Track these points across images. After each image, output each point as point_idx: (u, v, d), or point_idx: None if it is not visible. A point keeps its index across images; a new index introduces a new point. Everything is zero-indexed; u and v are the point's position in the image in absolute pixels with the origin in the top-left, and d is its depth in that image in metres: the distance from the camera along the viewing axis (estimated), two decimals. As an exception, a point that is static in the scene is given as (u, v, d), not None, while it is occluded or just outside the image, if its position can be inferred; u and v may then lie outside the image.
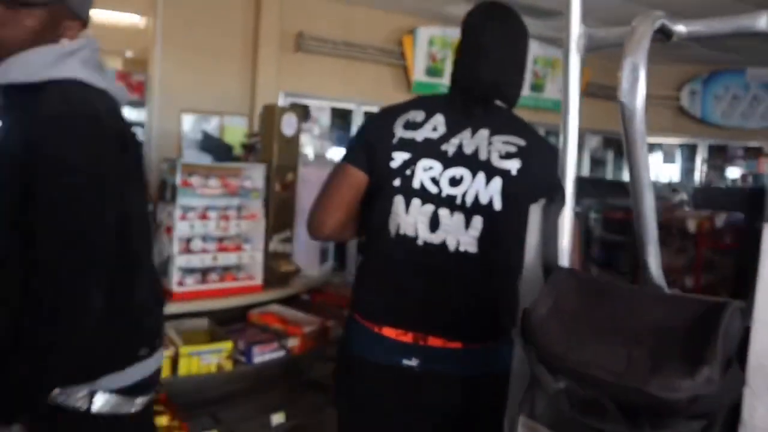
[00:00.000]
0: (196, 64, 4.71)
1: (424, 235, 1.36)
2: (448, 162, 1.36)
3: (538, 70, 6.91)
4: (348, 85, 5.69)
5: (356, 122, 5.85)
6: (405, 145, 1.39)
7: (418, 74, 5.97)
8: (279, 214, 2.62)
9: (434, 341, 1.35)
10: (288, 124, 2.64)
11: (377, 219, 1.41)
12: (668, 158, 8.24)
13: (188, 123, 4.73)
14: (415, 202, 1.36)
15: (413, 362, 1.35)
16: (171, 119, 4.67)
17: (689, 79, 7.96)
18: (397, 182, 1.38)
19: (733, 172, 8.07)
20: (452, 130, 1.39)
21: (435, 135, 1.39)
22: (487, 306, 1.36)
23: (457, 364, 1.36)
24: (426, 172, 1.36)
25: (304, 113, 4.93)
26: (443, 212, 1.35)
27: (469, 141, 1.37)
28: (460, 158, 1.36)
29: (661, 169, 8.13)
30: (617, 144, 8.09)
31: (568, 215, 0.98)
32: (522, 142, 1.37)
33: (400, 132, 1.40)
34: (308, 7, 5.35)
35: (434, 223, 1.35)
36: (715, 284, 4.34)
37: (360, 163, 1.43)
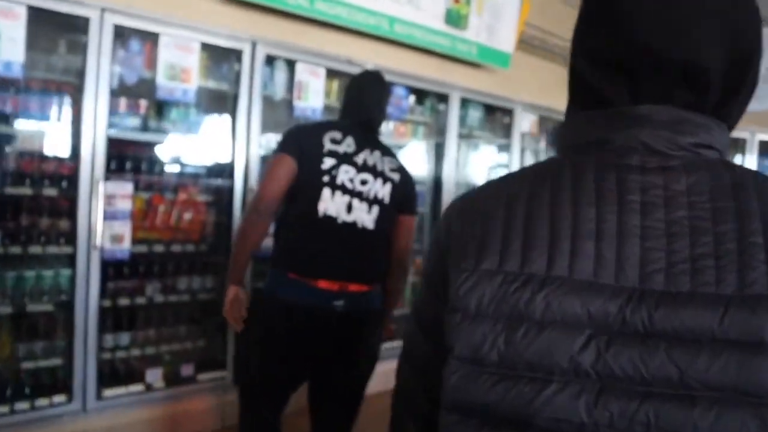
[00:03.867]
0: None
1: (343, 216, 2.09)
2: (359, 169, 2.14)
3: (456, -9, 4.21)
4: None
5: None
6: (332, 154, 2.11)
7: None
8: None
9: (353, 287, 2.09)
10: None
11: (308, 203, 2.07)
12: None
13: None
14: (338, 193, 2.08)
15: (340, 303, 2.07)
16: None
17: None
18: (326, 179, 2.07)
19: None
20: (359, 148, 2.17)
21: (350, 150, 2.14)
22: (378, 262, 2.20)
23: (365, 302, 2.15)
24: (345, 173, 2.10)
25: None
26: (355, 202, 2.11)
27: (370, 157, 2.18)
28: (366, 167, 2.16)
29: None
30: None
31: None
32: (399, 164, 2.28)
33: (328, 144, 2.11)
34: None
35: (349, 209, 2.10)
36: None
37: (294, 155, 2.08)
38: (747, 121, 6.05)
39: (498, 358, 0.58)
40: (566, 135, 0.68)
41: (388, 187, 2.17)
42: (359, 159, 2.15)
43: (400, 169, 2.25)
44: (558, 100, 5.56)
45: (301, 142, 2.11)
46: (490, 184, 0.70)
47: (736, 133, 5.95)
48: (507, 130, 5.11)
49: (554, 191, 0.62)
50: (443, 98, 4.47)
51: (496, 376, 0.57)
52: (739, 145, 5.93)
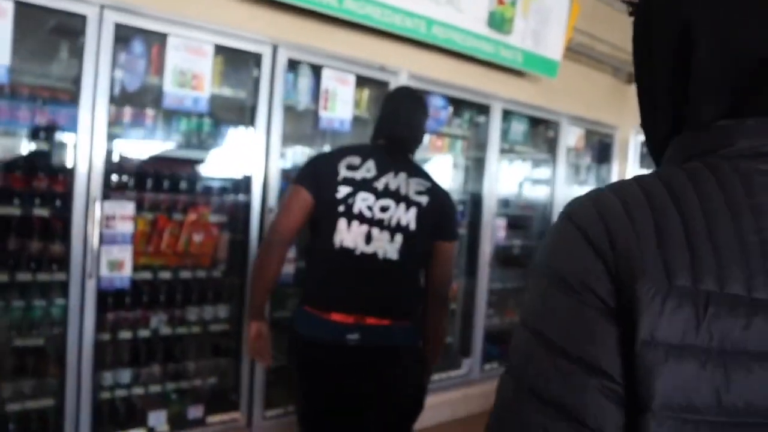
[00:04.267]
0: None
1: (361, 247, 1.93)
2: (378, 195, 1.96)
3: (500, -9, 3.82)
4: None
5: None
6: (347, 181, 1.96)
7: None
8: None
9: (370, 320, 1.92)
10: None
11: (325, 235, 1.95)
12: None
13: None
14: (354, 223, 1.93)
15: (354, 336, 1.91)
16: None
17: None
18: (341, 208, 1.94)
19: None
20: (381, 172, 1.99)
21: (369, 175, 1.97)
22: (403, 295, 2.02)
23: (387, 336, 1.95)
24: (363, 201, 1.94)
25: None
26: (375, 231, 1.94)
27: (393, 180, 1.99)
28: (387, 192, 1.97)
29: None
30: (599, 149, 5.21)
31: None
32: (429, 185, 2.04)
33: (343, 172, 1.97)
34: None
35: (368, 239, 1.93)
36: None
37: (309, 187, 1.97)
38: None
39: (716, 402, 0.47)
40: (708, 141, 0.57)
41: (413, 212, 1.98)
42: (380, 184, 1.98)
43: (431, 191, 2.04)
44: (606, 113, 5.13)
45: (316, 171, 2.02)
46: (631, 186, 0.55)
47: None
48: (550, 144, 4.69)
49: (729, 201, 0.51)
50: (483, 109, 4.07)
51: (715, 426, 0.47)
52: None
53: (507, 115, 4.14)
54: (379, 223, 1.94)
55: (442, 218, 2.05)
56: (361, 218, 1.94)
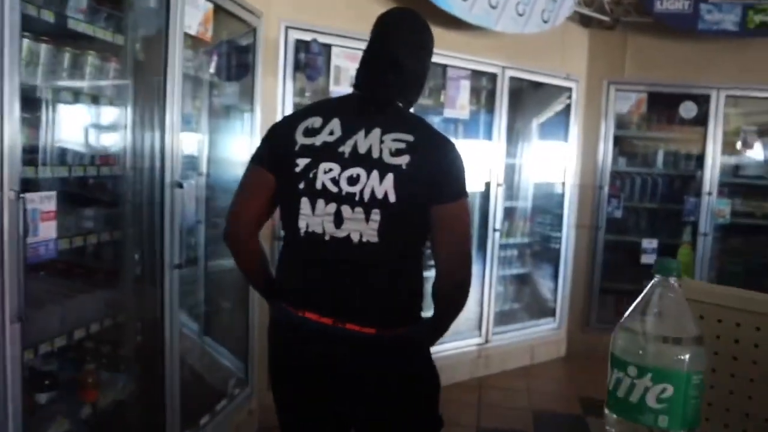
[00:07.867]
0: None
1: (330, 231, 1.54)
2: (345, 163, 1.53)
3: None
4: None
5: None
6: (306, 150, 1.56)
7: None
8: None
9: (351, 326, 1.54)
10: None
11: (288, 219, 1.60)
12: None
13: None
14: (320, 202, 1.54)
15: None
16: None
17: None
18: (302, 185, 1.55)
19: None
20: (347, 133, 1.56)
21: (332, 138, 1.55)
22: (392, 289, 1.59)
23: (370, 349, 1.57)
24: (326, 174, 1.53)
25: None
26: (345, 209, 1.53)
27: (362, 141, 1.54)
28: (355, 158, 1.53)
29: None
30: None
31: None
32: (411, 138, 1.54)
33: (300, 139, 1.57)
34: None
35: (338, 220, 1.53)
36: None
37: (268, 165, 1.61)
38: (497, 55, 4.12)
39: None
40: None
41: (390, 179, 1.54)
42: (346, 148, 1.57)
43: (414, 146, 1.56)
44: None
45: (272, 143, 1.66)
46: None
47: (487, 68, 4.49)
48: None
49: None
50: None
51: None
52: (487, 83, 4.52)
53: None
54: (350, 199, 1.54)
55: (434, 177, 1.56)
56: (327, 195, 1.56)
